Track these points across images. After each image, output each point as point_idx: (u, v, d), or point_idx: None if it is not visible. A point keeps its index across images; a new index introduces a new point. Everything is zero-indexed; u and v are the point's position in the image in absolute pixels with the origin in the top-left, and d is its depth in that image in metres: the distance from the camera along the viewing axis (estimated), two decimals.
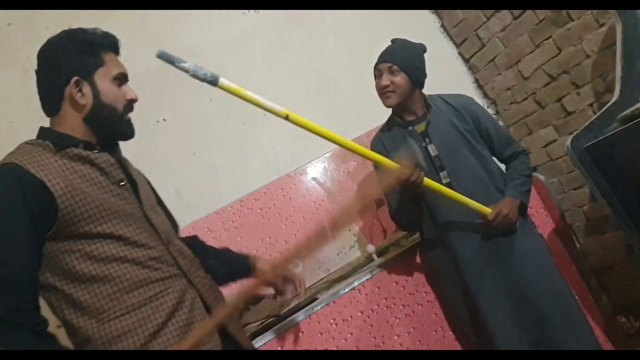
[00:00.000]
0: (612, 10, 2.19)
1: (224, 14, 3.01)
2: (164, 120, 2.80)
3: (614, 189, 2.04)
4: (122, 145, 2.66)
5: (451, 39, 3.36)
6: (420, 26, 3.31)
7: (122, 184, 1.45)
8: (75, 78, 1.42)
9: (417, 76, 2.21)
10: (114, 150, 1.51)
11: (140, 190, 1.51)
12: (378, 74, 2.23)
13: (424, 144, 2.17)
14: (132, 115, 2.68)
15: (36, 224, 1.30)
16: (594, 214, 2.90)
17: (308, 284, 2.61)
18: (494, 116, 3.26)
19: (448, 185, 2.10)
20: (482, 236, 2.11)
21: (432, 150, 2.16)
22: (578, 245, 2.95)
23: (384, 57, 2.22)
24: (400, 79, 2.16)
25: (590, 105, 2.72)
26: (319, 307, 2.21)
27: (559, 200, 2.84)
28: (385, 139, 2.26)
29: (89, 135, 1.46)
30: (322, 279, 2.62)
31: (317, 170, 2.89)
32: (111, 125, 1.48)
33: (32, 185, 1.30)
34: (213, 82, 1.68)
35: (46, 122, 2.75)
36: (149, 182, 1.64)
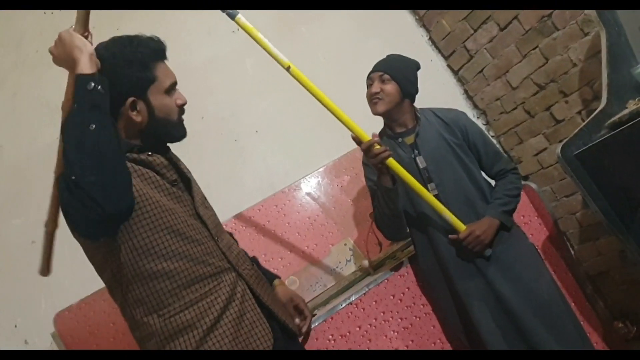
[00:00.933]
0: (596, 19, 2.22)
1: (212, 33, 3.03)
2: None
3: (605, 195, 2.05)
4: None
5: (440, 51, 3.39)
6: (408, 40, 3.34)
7: (175, 183, 1.51)
8: (131, 100, 1.46)
9: (408, 87, 2.24)
10: (165, 151, 1.57)
11: (193, 187, 1.58)
12: (369, 82, 2.27)
13: (412, 155, 2.17)
14: None
15: None
16: (587, 221, 2.91)
17: (306, 300, 2.60)
18: (484, 127, 3.29)
19: (436, 197, 2.10)
20: (467, 249, 2.10)
21: (421, 162, 2.17)
22: (573, 252, 2.96)
23: (376, 67, 2.27)
24: (390, 87, 2.19)
25: (579, 112, 2.75)
26: (316, 323, 2.20)
27: (551, 208, 2.85)
28: None
29: (144, 141, 1.51)
30: (319, 294, 2.61)
31: (310, 185, 2.89)
32: (166, 134, 1.54)
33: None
34: (231, 15, 1.91)
35: (35, 146, 2.76)
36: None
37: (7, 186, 2.75)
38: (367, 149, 1.93)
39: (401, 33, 3.34)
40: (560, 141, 2.30)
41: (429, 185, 2.14)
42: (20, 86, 2.88)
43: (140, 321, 1.40)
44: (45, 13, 2.88)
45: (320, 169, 2.92)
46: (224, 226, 2.63)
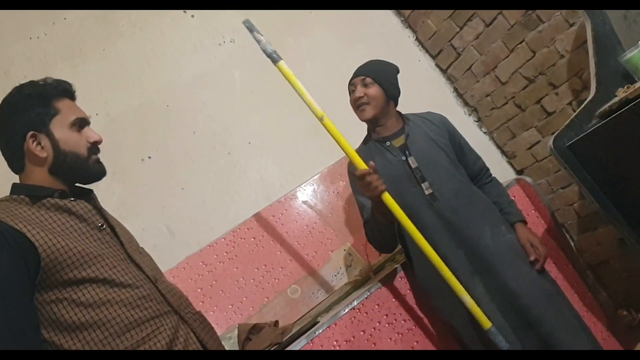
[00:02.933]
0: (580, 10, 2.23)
1: (199, 47, 3.03)
2: (149, 158, 2.80)
3: (600, 185, 2.05)
4: (109, 188, 2.66)
5: (427, 51, 3.40)
6: (395, 42, 3.35)
7: (102, 228, 1.45)
8: (31, 133, 1.42)
9: (391, 89, 2.23)
10: (90, 197, 1.51)
11: (120, 233, 1.50)
12: (352, 88, 2.25)
13: (403, 157, 2.16)
14: (116, 156, 2.69)
15: (25, 275, 1.28)
16: (584, 211, 2.92)
17: (307, 308, 2.60)
18: (475, 124, 3.31)
19: (431, 195, 2.09)
20: (467, 246, 2.09)
21: (412, 162, 2.14)
22: (572, 243, 2.96)
23: (357, 72, 2.26)
24: (374, 90, 2.18)
25: (570, 103, 2.76)
26: (320, 331, 2.19)
27: (548, 201, 2.85)
28: (363, 155, 2.24)
29: (59, 185, 1.45)
30: (322, 301, 2.61)
31: (306, 193, 2.89)
32: (78, 171, 1.48)
33: (13, 237, 1.28)
34: (274, 60, 1.86)
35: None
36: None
37: None
38: (363, 181, 1.89)
39: (387, 35, 3.36)
40: (553, 133, 2.31)
41: (422, 185, 2.12)
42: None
43: None
44: (31, 38, 2.89)
45: (315, 177, 2.92)
46: (222, 240, 2.69)
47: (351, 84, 2.27)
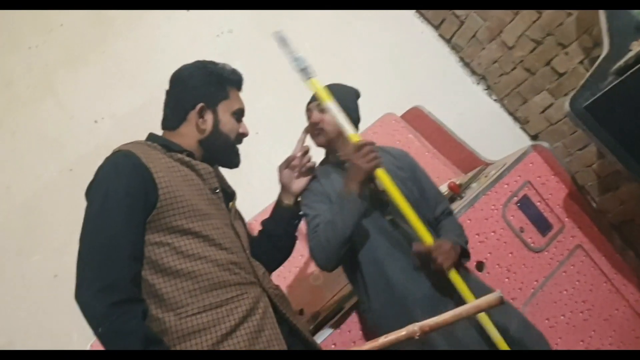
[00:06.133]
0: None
1: (197, 40, 3.00)
2: None
3: (621, 143, 1.99)
4: None
5: (429, 22, 3.33)
6: (395, 15, 3.28)
7: (217, 191, 1.56)
8: (201, 105, 1.59)
9: (348, 114, 2.01)
10: (213, 165, 1.63)
11: (233, 201, 1.66)
12: (308, 114, 2.13)
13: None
14: None
15: (142, 209, 1.38)
16: (604, 171, 2.86)
17: (331, 294, 2.58)
18: (484, 92, 3.24)
19: (391, 221, 1.96)
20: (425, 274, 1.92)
21: (379, 185, 1.96)
22: (594, 205, 2.91)
23: (314, 97, 2.11)
24: (329, 117, 2.01)
25: (581, 62, 2.69)
26: (347, 317, 2.17)
27: (566, 164, 2.79)
28: (322, 176, 2.12)
29: (198, 152, 1.60)
30: (345, 285, 2.58)
31: None
32: (222, 152, 1.65)
33: (142, 171, 1.40)
34: (305, 76, 1.82)
35: (41, 182, 2.76)
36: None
37: (20, 225, 2.75)
38: (362, 146, 1.80)
39: (387, 10, 3.28)
40: (566, 94, 2.26)
41: (383, 210, 1.97)
42: (17, 124, 2.87)
43: (155, 317, 1.38)
44: (30, 48, 2.87)
45: None
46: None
47: (307, 109, 2.14)
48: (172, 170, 1.46)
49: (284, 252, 1.92)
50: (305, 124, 2.10)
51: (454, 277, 1.82)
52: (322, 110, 2.06)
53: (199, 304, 1.39)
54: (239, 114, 1.67)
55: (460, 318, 1.47)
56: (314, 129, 2.09)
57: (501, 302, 1.13)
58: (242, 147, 2.92)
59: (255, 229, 2.67)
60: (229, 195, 1.67)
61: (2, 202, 2.78)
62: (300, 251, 2.69)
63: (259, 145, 2.90)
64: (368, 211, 1.95)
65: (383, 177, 1.82)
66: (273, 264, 1.83)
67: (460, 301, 1.86)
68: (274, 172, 2.92)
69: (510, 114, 3.20)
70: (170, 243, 1.40)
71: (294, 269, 2.65)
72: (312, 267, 2.66)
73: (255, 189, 2.82)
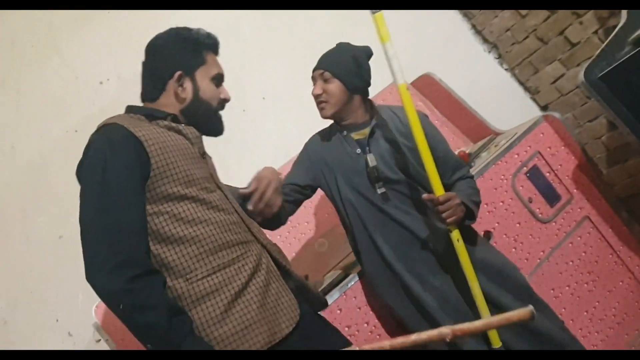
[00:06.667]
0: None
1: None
2: None
3: (636, 115, 1.97)
4: None
5: None
6: None
7: (204, 155, 1.57)
8: (179, 72, 1.54)
9: (354, 82, 2.02)
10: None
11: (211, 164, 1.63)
12: (313, 82, 2.08)
13: (359, 150, 2.02)
14: None
15: (140, 178, 1.37)
16: (613, 143, 2.84)
17: (336, 261, 2.58)
18: (496, 61, 3.19)
19: (383, 195, 1.97)
20: (416, 247, 1.97)
21: (371, 160, 1.99)
22: (602, 177, 2.89)
23: (317, 64, 2.07)
24: (333, 87, 2.00)
25: (595, 32, 2.64)
26: (352, 282, 2.17)
27: (576, 135, 2.77)
28: (319, 139, 2.16)
29: (182, 119, 1.56)
30: (350, 253, 2.58)
31: None
32: (205, 120, 1.59)
33: (134, 141, 1.38)
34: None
35: (47, 142, 2.74)
36: None
37: (25, 186, 2.74)
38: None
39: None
40: (578, 65, 2.22)
41: (376, 185, 1.98)
42: (21, 84, 2.83)
43: (166, 285, 1.38)
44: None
45: None
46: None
47: (312, 76, 2.09)
48: (162, 138, 1.43)
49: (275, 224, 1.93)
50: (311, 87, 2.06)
51: (455, 237, 1.85)
52: (327, 80, 2.01)
53: (207, 266, 1.40)
54: (218, 79, 1.62)
55: (491, 327, 1.66)
56: (317, 101, 2.05)
57: (532, 317, 1.14)
58: (248, 114, 2.92)
59: None
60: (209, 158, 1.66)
61: (6, 162, 2.76)
62: (306, 218, 2.69)
63: (265, 110, 2.88)
64: (361, 185, 1.99)
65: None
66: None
67: (452, 269, 1.93)
68: (281, 139, 2.92)
69: (521, 83, 3.16)
70: (169, 211, 1.39)
71: (300, 235, 2.65)
72: (318, 234, 2.66)
73: (261, 156, 2.81)
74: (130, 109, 1.55)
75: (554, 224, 2.44)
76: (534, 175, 2.46)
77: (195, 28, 1.61)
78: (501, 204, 2.37)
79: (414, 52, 3.06)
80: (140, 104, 1.60)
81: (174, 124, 1.51)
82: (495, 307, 1.87)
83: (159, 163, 1.38)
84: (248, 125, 2.85)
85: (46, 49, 2.86)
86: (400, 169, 1.99)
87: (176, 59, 1.55)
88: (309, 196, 2.14)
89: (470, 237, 1.97)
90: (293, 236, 2.64)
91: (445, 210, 1.81)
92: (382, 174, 1.98)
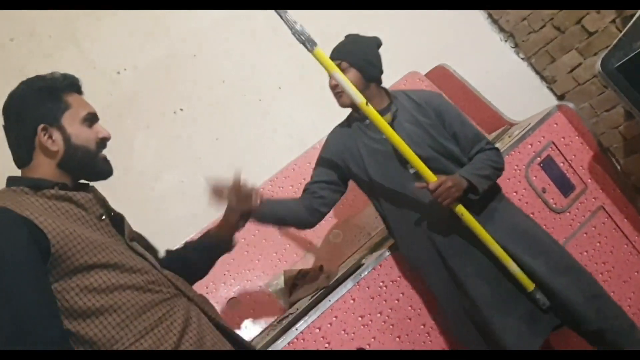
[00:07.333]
0: None
1: None
2: (181, 110, 2.78)
3: None
4: (145, 142, 2.67)
5: None
6: None
7: (102, 218, 1.43)
8: (42, 126, 1.40)
9: (370, 71, 2.07)
10: (89, 189, 1.49)
11: (124, 223, 1.50)
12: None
13: (384, 135, 1.98)
14: (149, 109, 2.69)
15: (40, 261, 1.26)
16: (631, 133, 2.82)
17: (350, 252, 2.60)
18: (512, 50, 3.17)
19: (415, 174, 1.98)
20: (452, 224, 1.99)
21: None
22: (618, 167, 2.87)
23: (332, 55, 2.08)
24: (350, 75, 2.01)
25: (613, 21, 2.62)
26: (366, 272, 2.19)
27: (591, 125, 2.75)
28: (339, 137, 2.17)
29: (65, 179, 1.43)
30: (365, 244, 2.60)
31: None
32: (86, 167, 1.46)
33: (21, 223, 1.26)
34: (310, 47, 1.80)
35: None
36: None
37: None
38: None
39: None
40: (595, 54, 2.20)
41: (407, 165, 2.00)
42: (39, 74, 2.86)
43: None
44: None
45: None
46: (261, 190, 2.66)
47: None
48: (51, 211, 1.33)
49: (199, 275, 1.77)
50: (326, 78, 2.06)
51: (460, 211, 1.90)
52: (344, 70, 2.02)
53: (132, 333, 1.32)
54: (90, 119, 1.47)
55: None
56: (336, 91, 2.07)
57: None
58: (263, 104, 2.93)
59: (279, 184, 2.70)
60: (115, 217, 1.50)
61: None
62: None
63: (280, 100, 2.89)
64: (392, 168, 2.00)
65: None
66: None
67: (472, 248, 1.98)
68: (296, 129, 2.93)
69: (537, 73, 3.15)
70: (78, 284, 1.29)
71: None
72: (332, 225, 2.68)
73: (277, 146, 2.83)
74: (10, 181, 1.41)
75: (568, 214, 2.43)
76: (548, 165, 2.45)
77: (48, 74, 1.47)
78: (514, 194, 2.37)
79: (428, 42, 3.06)
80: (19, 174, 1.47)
81: (62, 192, 1.37)
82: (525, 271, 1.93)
83: (57, 237, 1.27)
84: (264, 115, 2.87)
85: (63, 39, 2.89)
86: (429, 146, 2.02)
87: (36, 113, 1.41)
88: (341, 191, 2.18)
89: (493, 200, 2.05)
90: None
91: (439, 196, 1.86)
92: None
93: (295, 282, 2.32)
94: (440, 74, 2.95)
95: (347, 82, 1.85)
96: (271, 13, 2.92)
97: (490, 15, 3.21)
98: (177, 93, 2.80)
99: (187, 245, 1.80)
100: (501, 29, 3.20)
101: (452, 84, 2.94)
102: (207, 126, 2.78)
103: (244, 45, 2.94)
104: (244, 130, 2.82)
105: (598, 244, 2.45)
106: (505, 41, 3.20)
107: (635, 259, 2.49)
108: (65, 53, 2.87)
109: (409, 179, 2.02)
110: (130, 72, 2.78)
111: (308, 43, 1.78)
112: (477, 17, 3.21)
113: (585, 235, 2.44)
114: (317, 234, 2.67)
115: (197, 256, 1.73)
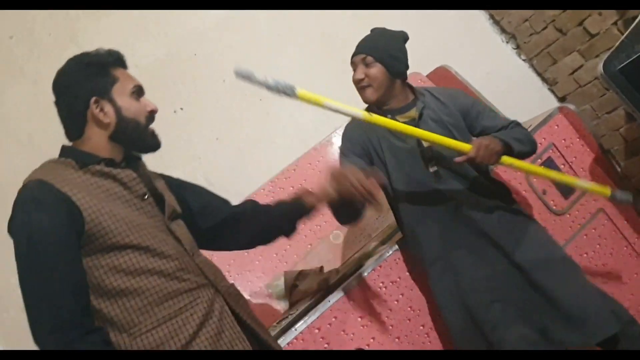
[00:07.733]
0: None
1: None
2: (181, 109, 2.78)
3: None
4: None
5: None
6: None
7: (145, 197, 1.45)
8: (94, 99, 1.44)
9: (395, 66, 2.05)
10: (137, 166, 1.52)
11: (166, 202, 1.51)
12: (353, 67, 2.10)
13: None
14: None
15: (75, 237, 1.30)
16: (632, 135, 2.81)
17: (351, 252, 2.60)
18: (514, 51, 3.18)
19: (435, 173, 2.01)
20: (470, 225, 1.99)
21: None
22: (619, 169, 2.87)
23: (358, 49, 2.08)
24: (375, 70, 2.02)
25: (615, 23, 2.61)
26: (366, 273, 2.18)
27: (592, 127, 2.75)
28: (360, 129, 2.13)
29: (115, 153, 1.48)
30: (365, 245, 2.60)
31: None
32: (137, 139, 1.50)
33: (60, 198, 1.31)
34: (290, 93, 1.70)
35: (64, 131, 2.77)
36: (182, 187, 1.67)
37: None
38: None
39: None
40: (597, 56, 2.20)
41: (429, 164, 2.02)
42: (39, 73, 2.86)
43: (111, 341, 1.32)
44: None
45: (350, 119, 2.85)
46: (262, 191, 2.67)
47: (352, 62, 2.10)
48: (92, 188, 1.37)
49: (267, 240, 1.82)
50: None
51: (508, 161, 1.93)
52: (369, 64, 2.02)
53: (152, 319, 1.34)
54: (137, 92, 1.51)
55: None
56: (359, 86, 2.06)
57: None
58: (264, 103, 2.93)
59: (280, 185, 2.69)
60: (159, 196, 1.52)
61: (24, 151, 2.80)
62: (321, 210, 2.69)
63: (281, 100, 2.81)
64: (413, 165, 2.00)
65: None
66: (249, 243, 1.80)
67: (502, 246, 1.96)
68: (297, 129, 2.92)
69: (539, 74, 3.15)
70: (108, 264, 1.33)
71: (315, 227, 2.66)
72: (333, 226, 2.67)
73: (278, 146, 2.85)
74: (62, 152, 1.47)
75: (568, 216, 2.43)
76: (548, 167, 2.45)
77: (94, 50, 1.51)
78: (515, 196, 2.37)
79: (430, 43, 3.05)
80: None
81: (107, 169, 1.42)
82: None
83: (92, 216, 1.31)
84: (264, 115, 2.87)
85: (63, 38, 2.89)
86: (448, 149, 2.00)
87: (86, 87, 1.45)
88: None
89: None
90: (308, 228, 2.65)
91: (482, 158, 1.85)
92: (436, 152, 2.01)
93: (296, 283, 2.32)
94: (442, 75, 2.95)
95: (342, 107, 1.81)
96: (271, 13, 2.95)
97: (492, 17, 3.20)
98: (177, 92, 2.80)
99: (270, 204, 1.81)
100: (503, 31, 3.20)
101: (453, 85, 2.93)
102: (208, 126, 2.79)
103: (244, 44, 2.93)
104: (244, 130, 2.82)
105: (598, 246, 2.45)
106: (507, 42, 3.20)
107: (635, 261, 2.49)
108: (65, 52, 2.85)
109: (429, 178, 2.01)
110: (131, 70, 2.76)
111: (288, 91, 1.70)
112: (478, 18, 3.21)
113: (585, 237, 2.44)
114: (317, 235, 2.67)
115: (280, 213, 1.77)
